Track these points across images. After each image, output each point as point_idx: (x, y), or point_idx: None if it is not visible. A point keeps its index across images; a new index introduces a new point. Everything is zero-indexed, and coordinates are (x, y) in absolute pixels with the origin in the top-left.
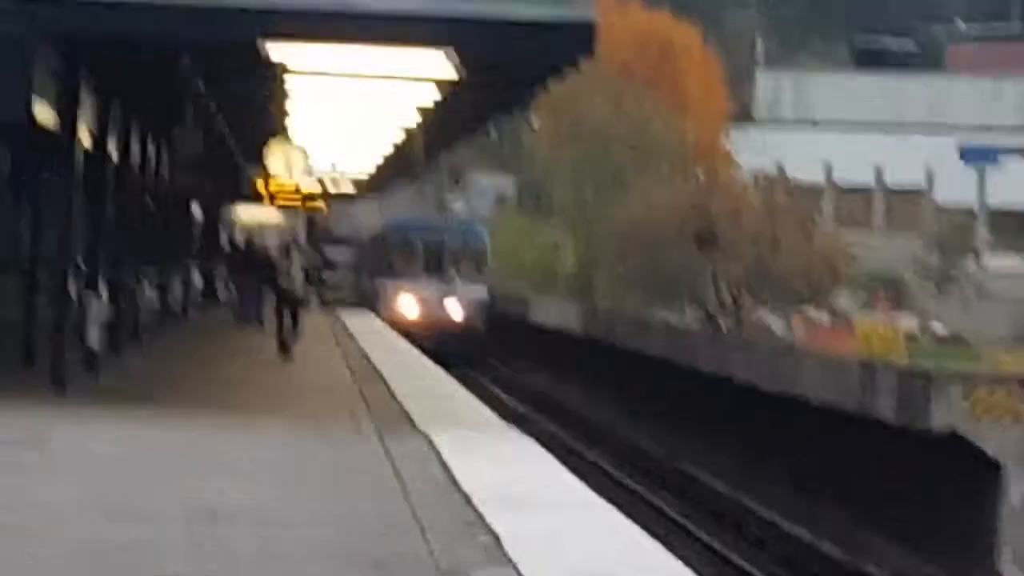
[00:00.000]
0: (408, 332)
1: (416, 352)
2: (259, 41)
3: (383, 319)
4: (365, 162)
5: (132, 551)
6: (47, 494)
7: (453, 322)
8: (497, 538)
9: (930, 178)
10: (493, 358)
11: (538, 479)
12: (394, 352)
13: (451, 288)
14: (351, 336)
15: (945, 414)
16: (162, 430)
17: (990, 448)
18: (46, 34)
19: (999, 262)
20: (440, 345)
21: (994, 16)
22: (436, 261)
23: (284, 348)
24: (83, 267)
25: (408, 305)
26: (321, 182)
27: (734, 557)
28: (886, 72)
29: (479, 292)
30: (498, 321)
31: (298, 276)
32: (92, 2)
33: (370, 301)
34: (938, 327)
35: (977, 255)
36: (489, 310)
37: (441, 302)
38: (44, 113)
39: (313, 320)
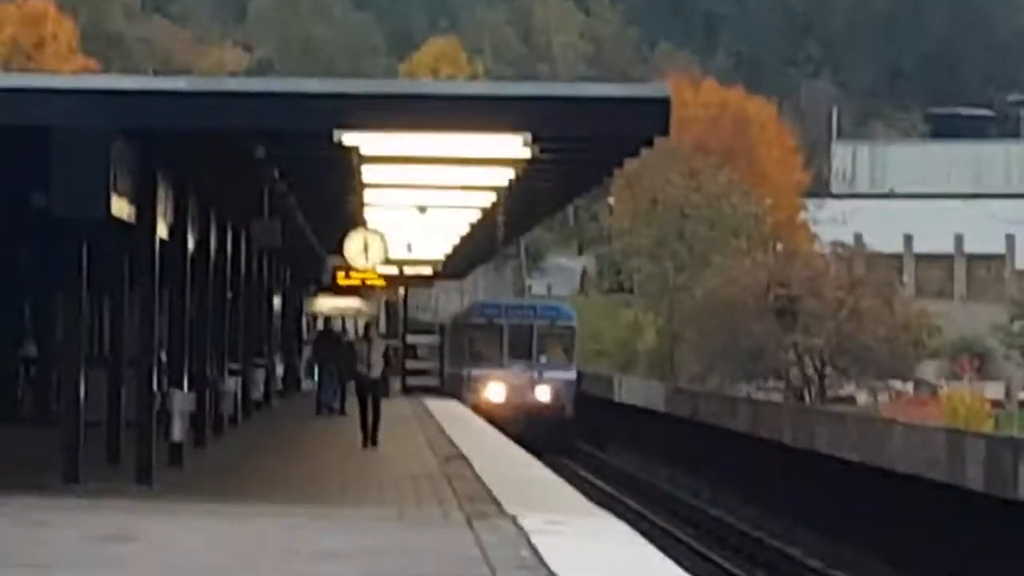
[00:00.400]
0: (495, 420)
1: (500, 436)
2: (334, 130)
3: (470, 406)
4: (442, 245)
5: None
6: None
7: (543, 408)
8: None
9: (1010, 244)
10: (578, 438)
11: (629, 561)
12: (478, 436)
13: (540, 373)
14: (435, 421)
15: None
16: (249, 522)
17: None
18: (124, 128)
19: None
20: (528, 432)
21: None
22: (525, 345)
23: (367, 436)
24: (164, 363)
25: (496, 392)
26: (400, 268)
27: None
28: (962, 140)
29: (569, 375)
30: (583, 400)
31: (378, 363)
32: (164, 92)
33: (455, 387)
34: None
35: None
36: (577, 394)
37: (531, 388)
38: (122, 207)
39: (398, 406)
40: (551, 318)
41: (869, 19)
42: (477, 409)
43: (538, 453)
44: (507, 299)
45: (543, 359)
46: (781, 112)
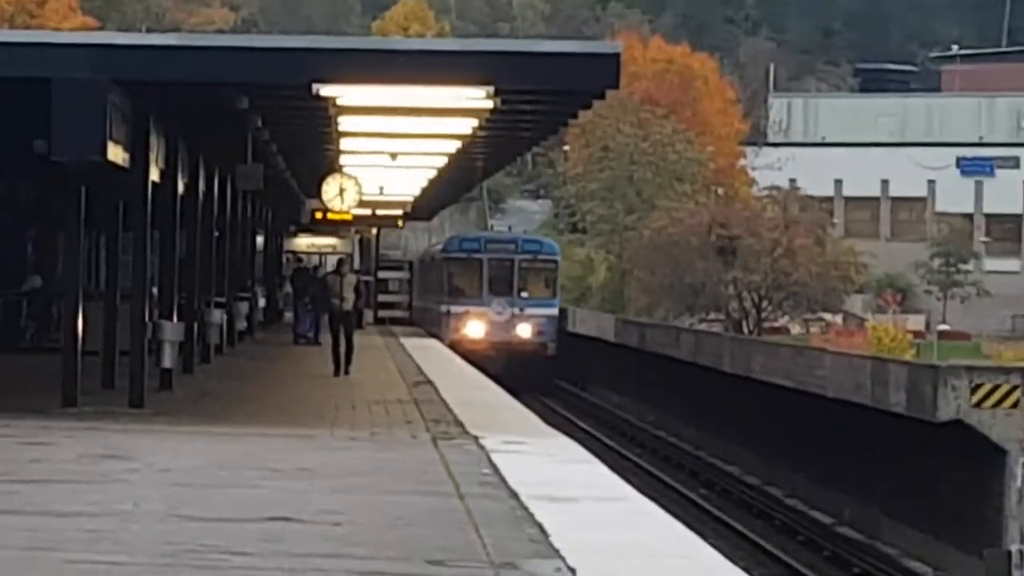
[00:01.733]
0: (475, 357)
1: (464, 364)
2: (312, 83)
3: (448, 344)
4: (411, 189)
5: (204, 546)
6: (125, 500)
7: (524, 346)
8: (543, 529)
9: (931, 189)
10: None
11: (580, 477)
12: (444, 364)
13: (522, 309)
14: (405, 350)
15: (951, 404)
16: (235, 442)
17: (994, 435)
18: (119, 79)
19: (996, 263)
20: (509, 370)
21: (984, 39)
22: (506, 280)
23: (338, 366)
24: (156, 296)
25: (475, 328)
26: (373, 210)
27: (761, 541)
28: (888, 94)
29: (551, 312)
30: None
31: (350, 297)
32: (155, 47)
33: (432, 323)
34: (942, 325)
35: (976, 258)
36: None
37: (512, 325)
38: (117, 152)
39: (371, 337)
40: (533, 252)
41: None
42: (456, 346)
43: (517, 394)
44: (487, 232)
45: (524, 295)
46: (722, 67)
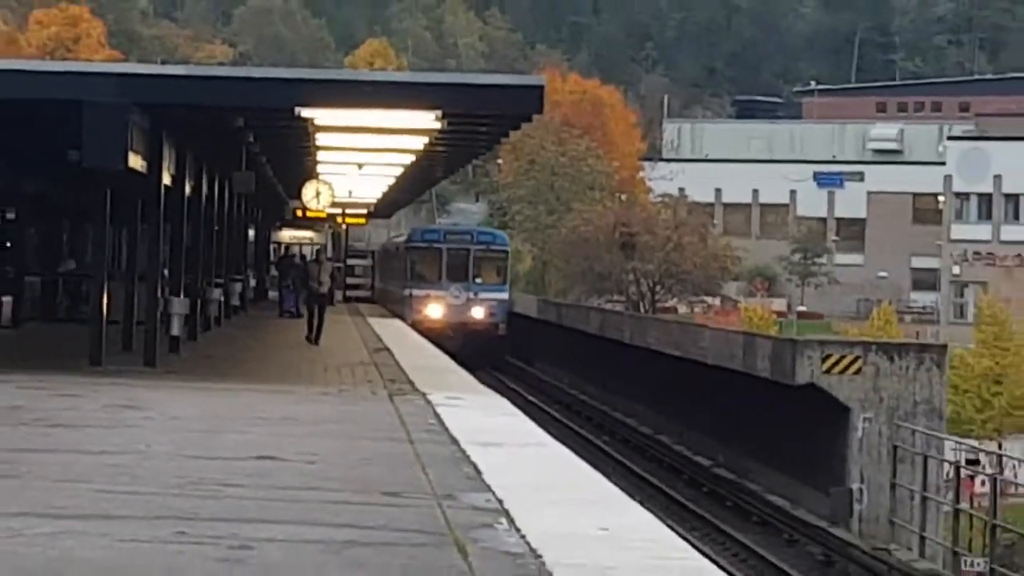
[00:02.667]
0: (434, 336)
1: (416, 336)
2: (295, 107)
3: (410, 323)
4: (374, 192)
5: (204, 478)
6: (140, 442)
7: (477, 326)
8: (477, 468)
9: (793, 197)
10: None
11: (506, 425)
12: (400, 336)
13: (476, 293)
14: (369, 325)
15: (806, 370)
16: (229, 395)
17: (840, 396)
18: (138, 102)
19: (844, 258)
20: (464, 347)
21: (836, 78)
22: (462, 268)
23: (312, 335)
24: (167, 277)
25: (435, 310)
26: (343, 209)
27: (651, 479)
28: (759, 120)
29: (502, 296)
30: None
31: (326, 281)
32: (168, 76)
33: (395, 305)
34: (801, 307)
35: (828, 253)
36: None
37: (467, 307)
38: (136, 161)
39: (341, 313)
40: (486, 243)
41: (692, 28)
42: (417, 326)
43: (471, 369)
44: (446, 225)
45: (479, 281)
46: (626, 98)
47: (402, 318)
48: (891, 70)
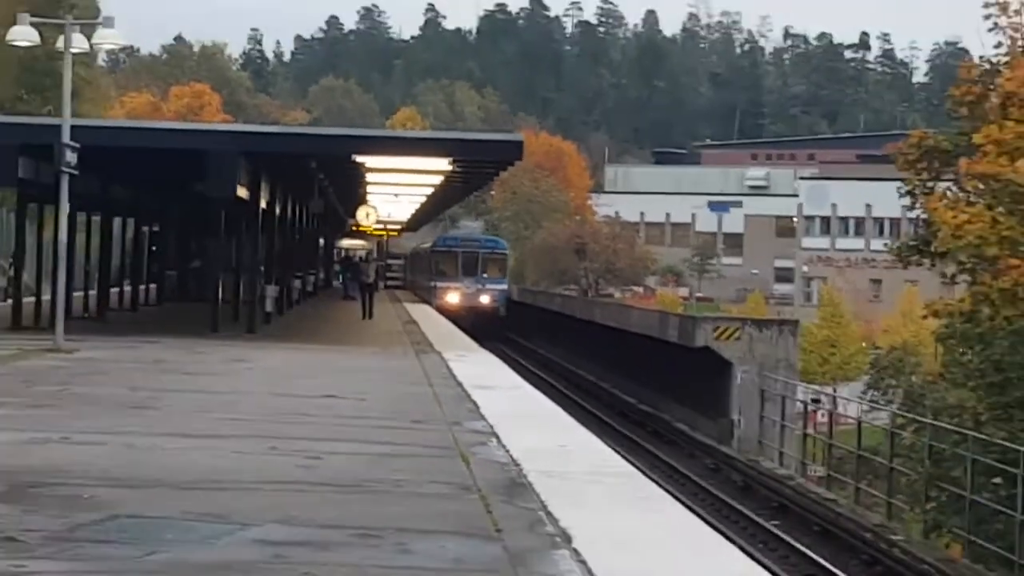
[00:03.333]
0: (452, 316)
1: (437, 314)
2: (352, 154)
3: (435, 307)
4: (405, 213)
5: (288, 410)
6: (244, 385)
7: (484, 309)
8: (476, 404)
9: (694, 218)
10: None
11: (496, 374)
12: (425, 315)
13: (483, 285)
14: (404, 307)
15: (702, 337)
16: (307, 352)
17: (725, 354)
18: (244, 151)
19: (728, 260)
20: (474, 324)
21: (724, 136)
22: (473, 266)
23: (365, 312)
24: (263, 271)
25: (453, 297)
26: (384, 225)
27: (595, 412)
28: (671, 166)
29: (502, 287)
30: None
31: (372, 275)
32: (265, 134)
33: (421, 292)
34: (698, 294)
35: (717, 257)
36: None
37: (476, 295)
38: (242, 191)
39: (384, 300)
40: (491, 248)
41: (625, 101)
42: (440, 309)
43: (479, 340)
44: (461, 233)
45: (485, 275)
46: (579, 149)
47: (428, 303)
48: (761, 131)
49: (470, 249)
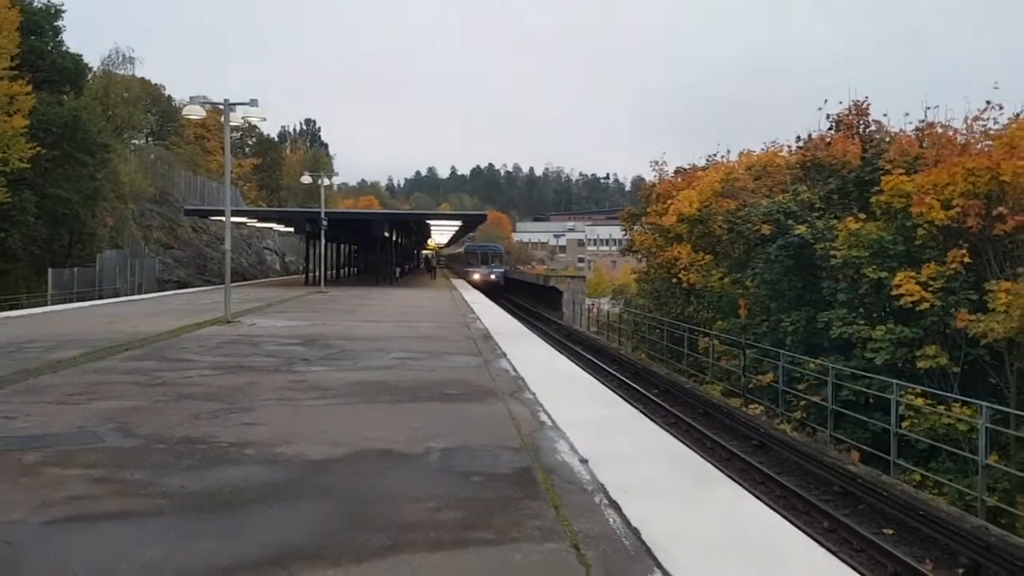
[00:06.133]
0: (476, 286)
1: (474, 290)
2: (424, 220)
3: (468, 282)
4: (443, 240)
5: (404, 310)
6: (389, 302)
7: (492, 282)
8: (473, 310)
9: (548, 240)
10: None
11: (508, 323)
12: (464, 288)
13: (492, 270)
14: (450, 281)
15: (553, 282)
16: (410, 290)
17: (561, 288)
18: (387, 219)
19: (560, 255)
20: (486, 290)
21: (595, 203)
22: (487, 260)
23: (433, 277)
24: (394, 263)
25: (476, 276)
26: (436, 247)
27: (518, 313)
28: (539, 222)
29: (502, 271)
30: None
31: (434, 264)
32: (397, 213)
33: (461, 275)
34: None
35: (556, 254)
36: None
37: (489, 275)
38: (386, 234)
39: (440, 279)
40: (494, 250)
41: (522, 199)
42: (470, 283)
43: (489, 295)
44: (480, 243)
45: (492, 265)
46: (509, 215)
47: (460, 278)
48: (570, 208)
49: (484, 251)
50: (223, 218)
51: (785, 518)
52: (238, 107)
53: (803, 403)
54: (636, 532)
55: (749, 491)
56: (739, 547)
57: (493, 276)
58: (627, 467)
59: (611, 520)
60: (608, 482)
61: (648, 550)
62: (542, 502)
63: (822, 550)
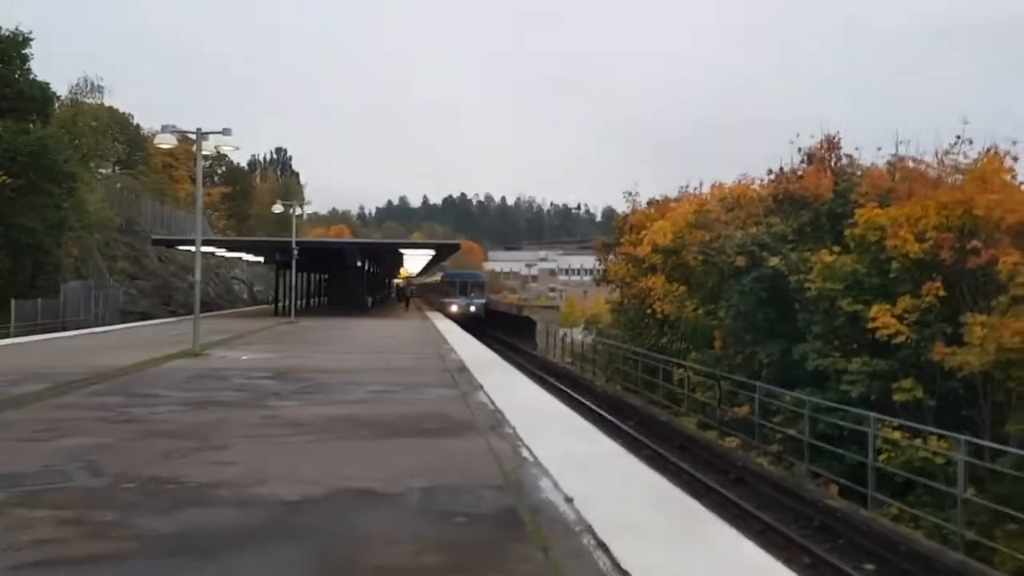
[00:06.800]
0: (453, 318)
1: (446, 319)
2: (396, 248)
3: (444, 315)
4: (416, 269)
5: (376, 340)
6: (360, 332)
7: (471, 315)
8: (445, 337)
9: (521, 269)
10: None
11: (482, 352)
12: (437, 317)
13: (471, 301)
14: (423, 312)
15: (527, 312)
16: (382, 320)
17: (535, 319)
18: (359, 247)
19: (532, 284)
20: (465, 324)
21: (567, 232)
22: (465, 289)
23: (406, 307)
24: (366, 292)
25: (454, 308)
26: (408, 275)
27: (491, 343)
28: (511, 251)
29: (482, 302)
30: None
31: (407, 293)
32: (369, 242)
33: (435, 306)
34: (524, 297)
35: (529, 283)
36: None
37: (467, 307)
38: (359, 263)
39: (413, 310)
40: (475, 278)
41: (495, 229)
42: (447, 315)
43: (468, 329)
44: (458, 271)
45: (472, 295)
46: (481, 244)
47: (438, 311)
48: (542, 236)
49: (461, 279)
50: (191, 248)
51: (779, 559)
52: (211, 136)
53: (779, 436)
54: None
55: (739, 531)
56: None
57: (473, 308)
58: (612, 505)
59: (601, 564)
60: (595, 521)
61: None
62: (529, 544)
63: None
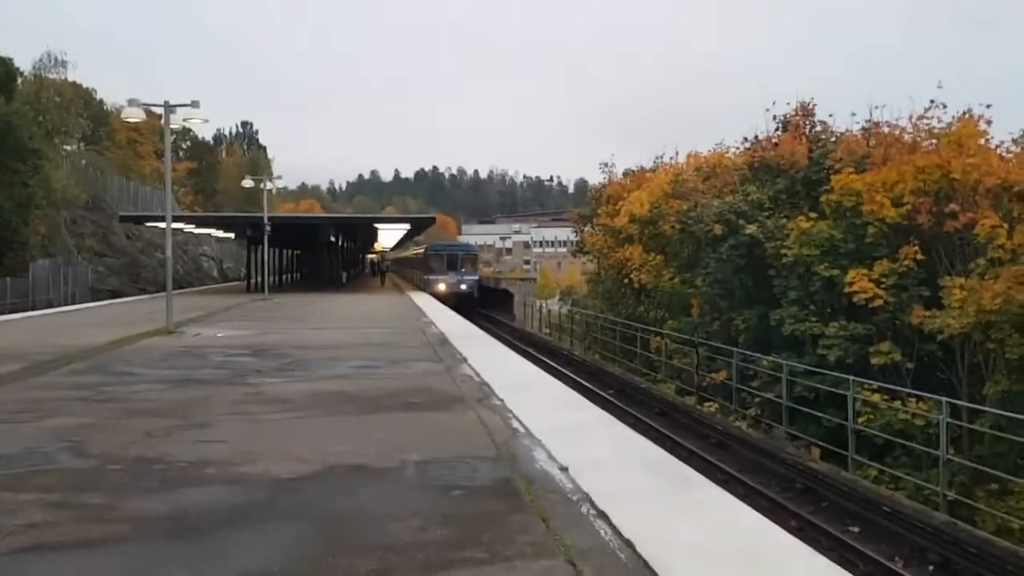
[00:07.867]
0: (441, 298)
1: (423, 294)
2: (372, 223)
3: (430, 294)
4: (391, 243)
5: (354, 316)
6: (336, 308)
7: (462, 294)
8: (423, 311)
9: (495, 243)
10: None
11: (467, 328)
12: (416, 294)
13: (461, 277)
14: (400, 287)
15: (504, 284)
16: (358, 296)
17: (511, 291)
18: (333, 223)
19: (506, 258)
20: (455, 304)
21: (539, 205)
22: (454, 264)
23: (382, 282)
24: (341, 267)
25: (441, 286)
26: (383, 249)
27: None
28: (485, 224)
29: (474, 279)
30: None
31: (382, 267)
32: (342, 217)
33: (418, 284)
34: (498, 270)
35: (504, 256)
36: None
37: (457, 284)
38: (336, 239)
39: (389, 283)
40: (466, 250)
41: (468, 201)
42: (432, 294)
43: (459, 310)
44: (445, 242)
45: (463, 270)
46: (455, 218)
47: (423, 291)
48: (516, 210)
49: (452, 252)
50: (160, 224)
51: (775, 523)
52: (179, 109)
53: (757, 400)
54: (630, 544)
55: (732, 495)
56: (736, 556)
57: (464, 287)
58: (607, 473)
59: (602, 532)
60: (592, 490)
61: (646, 563)
62: (529, 515)
63: (824, 559)
